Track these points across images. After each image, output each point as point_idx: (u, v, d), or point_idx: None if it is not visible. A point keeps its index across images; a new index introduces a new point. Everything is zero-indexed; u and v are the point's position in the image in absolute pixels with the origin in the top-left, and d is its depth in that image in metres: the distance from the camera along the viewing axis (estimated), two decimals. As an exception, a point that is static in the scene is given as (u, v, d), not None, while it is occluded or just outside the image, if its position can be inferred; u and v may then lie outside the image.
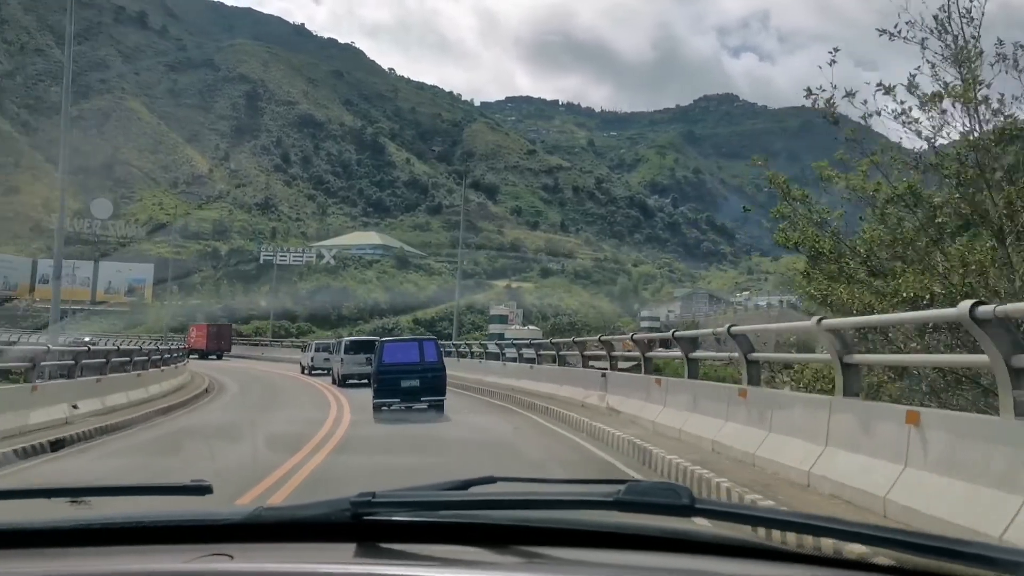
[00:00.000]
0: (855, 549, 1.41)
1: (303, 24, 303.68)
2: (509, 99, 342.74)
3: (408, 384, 17.29)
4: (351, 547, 1.48)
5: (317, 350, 37.46)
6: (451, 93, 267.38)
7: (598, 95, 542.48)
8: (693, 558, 1.42)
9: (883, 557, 1.37)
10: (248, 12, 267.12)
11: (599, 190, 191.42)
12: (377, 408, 17.40)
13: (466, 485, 1.67)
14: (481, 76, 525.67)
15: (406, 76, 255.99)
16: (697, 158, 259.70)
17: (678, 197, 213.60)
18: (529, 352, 25.13)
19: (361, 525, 1.50)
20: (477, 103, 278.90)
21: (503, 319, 40.49)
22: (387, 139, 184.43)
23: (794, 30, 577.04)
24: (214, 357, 50.30)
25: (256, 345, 65.25)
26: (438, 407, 17.51)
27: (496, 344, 24.29)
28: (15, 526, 1.60)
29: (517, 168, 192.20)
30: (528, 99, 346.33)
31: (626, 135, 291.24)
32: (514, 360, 25.91)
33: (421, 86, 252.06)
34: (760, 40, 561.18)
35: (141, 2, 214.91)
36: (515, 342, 22.90)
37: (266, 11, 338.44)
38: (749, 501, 6.69)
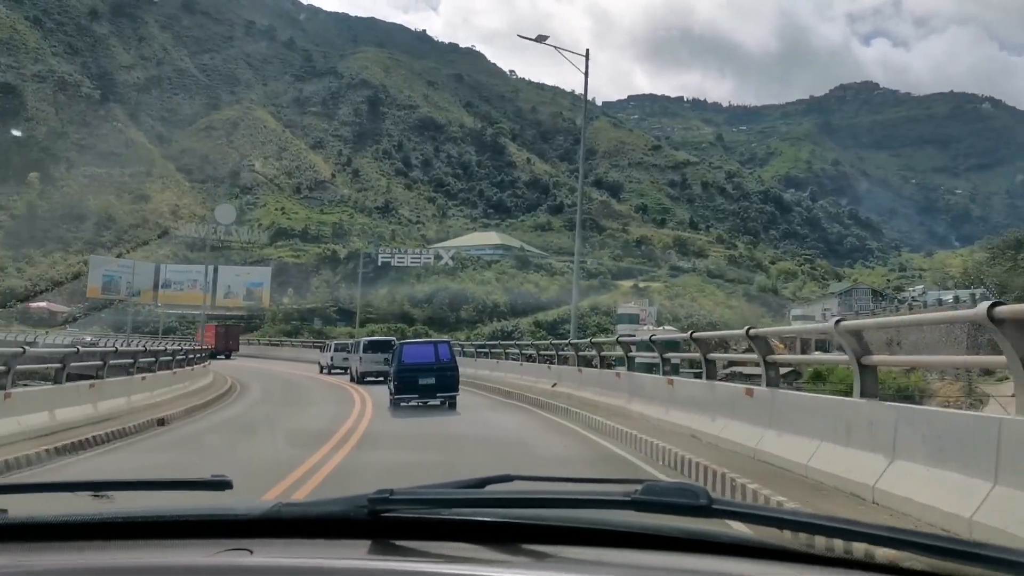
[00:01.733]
0: (875, 551, 1.39)
1: (424, 31, 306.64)
2: (631, 98, 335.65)
3: (425, 382, 18.79)
4: (366, 543, 1.49)
5: (336, 350, 39.04)
6: (572, 92, 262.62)
7: (721, 90, 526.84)
8: (710, 559, 1.41)
9: (905, 560, 1.36)
10: (372, 22, 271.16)
11: (730, 185, 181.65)
12: (396, 404, 18.69)
13: (483, 483, 1.68)
14: (599, 77, 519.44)
15: (526, 78, 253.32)
16: (835, 149, 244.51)
17: (816, 190, 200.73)
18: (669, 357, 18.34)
19: (378, 522, 1.51)
20: (599, 103, 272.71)
21: (634, 319, 34.82)
22: (507, 139, 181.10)
23: (929, 13, 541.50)
24: (223, 357, 49.84)
25: (274, 345, 67.45)
26: (451, 402, 19.07)
27: (622, 344, 18.49)
28: (39, 520, 1.64)
29: (642, 164, 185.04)
30: (651, 97, 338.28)
31: (756, 129, 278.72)
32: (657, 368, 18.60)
33: (541, 86, 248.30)
34: (892, 25, 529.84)
35: (270, 16, 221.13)
36: (655, 339, 15.96)
37: (389, 20, 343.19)
38: None
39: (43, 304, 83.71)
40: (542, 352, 26.39)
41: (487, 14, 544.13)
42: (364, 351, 29.40)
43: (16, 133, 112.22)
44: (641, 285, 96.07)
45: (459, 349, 29.32)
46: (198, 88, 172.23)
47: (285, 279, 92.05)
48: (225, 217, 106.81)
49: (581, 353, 21.84)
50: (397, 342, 23.50)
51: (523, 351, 27.75)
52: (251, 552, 1.44)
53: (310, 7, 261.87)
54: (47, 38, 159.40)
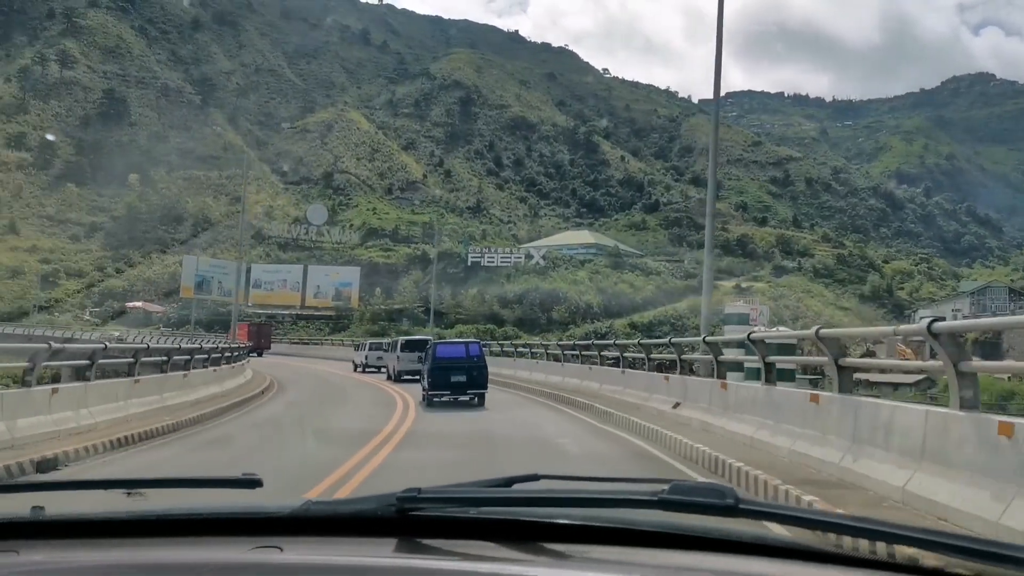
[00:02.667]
0: (903, 552, 1.39)
1: (516, 31, 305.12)
2: (729, 95, 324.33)
3: (456, 379, 19.43)
4: (393, 541, 1.50)
5: (371, 349, 39.80)
6: (666, 90, 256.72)
7: (819, 84, 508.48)
8: (738, 558, 1.40)
9: (930, 560, 1.34)
10: (464, 24, 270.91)
11: (836, 181, 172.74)
12: (429, 400, 19.53)
13: (510, 482, 1.68)
14: (693, 75, 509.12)
15: (619, 77, 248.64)
16: (950, 143, 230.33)
17: (931, 186, 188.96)
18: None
19: (406, 520, 1.52)
20: (695, 100, 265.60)
21: (743, 319, 30.84)
22: (601, 138, 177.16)
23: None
24: (255, 354, 49.33)
25: (303, 343, 68.03)
26: (481, 399, 19.59)
27: (711, 344, 15.29)
28: (76, 517, 1.67)
29: (741, 161, 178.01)
30: (749, 93, 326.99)
31: (862, 124, 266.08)
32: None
33: (635, 84, 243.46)
34: (1005, 14, 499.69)
35: (365, 20, 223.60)
36: (753, 338, 11.74)
37: (481, 22, 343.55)
38: None
39: (139, 304, 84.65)
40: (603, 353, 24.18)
41: (579, 15, 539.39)
42: (402, 350, 29.80)
43: (49, 138, 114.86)
44: (744, 285, 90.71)
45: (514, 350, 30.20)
46: (294, 92, 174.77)
47: (375, 279, 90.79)
48: (317, 217, 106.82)
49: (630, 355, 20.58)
50: (432, 341, 24.02)
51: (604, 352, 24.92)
52: (281, 550, 1.46)
53: (404, 11, 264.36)
54: (151, 46, 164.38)
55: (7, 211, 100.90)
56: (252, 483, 1.79)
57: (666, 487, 1.43)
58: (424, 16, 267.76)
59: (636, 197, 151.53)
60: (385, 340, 42.07)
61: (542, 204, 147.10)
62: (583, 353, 25.55)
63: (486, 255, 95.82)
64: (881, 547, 1.39)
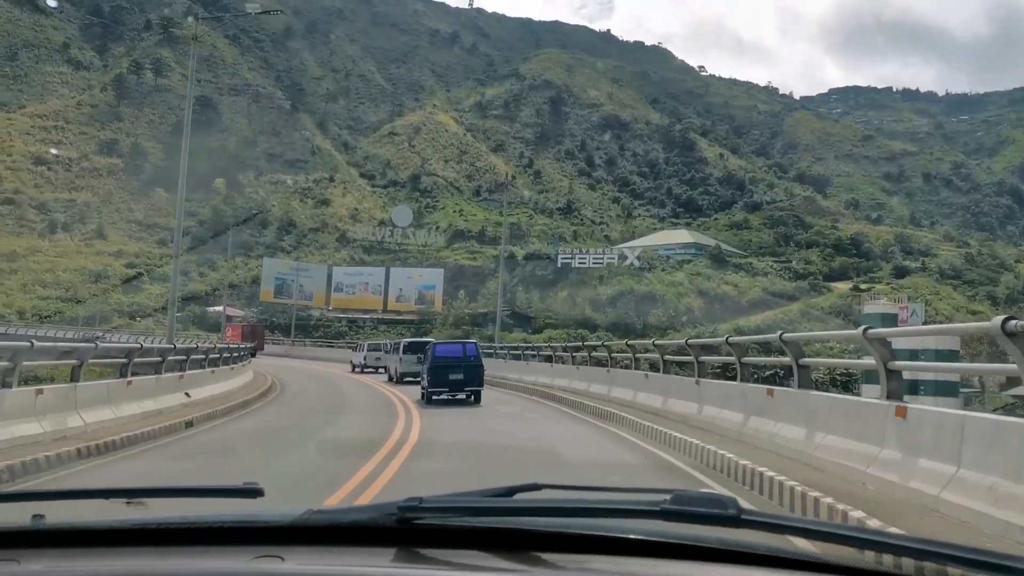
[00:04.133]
0: (909, 564, 1.37)
1: (608, 30, 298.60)
2: (833, 91, 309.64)
3: (454, 377, 20.20)
4: (392, 551, 1.49)
5: (369, 349, 40.18)
6: (766, 87, 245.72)
7: (924, 78, 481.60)
8: (739, 569, 1.39)
9: (936, 573, 1.33)
10: (555, 25, 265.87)
11: (957, 176, 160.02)
12: (427, 398, 20.37)
13: (511, 492, 1.66)
14: (786, 72, 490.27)
15: (715, 74, 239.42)
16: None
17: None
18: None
19: (406, 529, 1.51)
20: (796, 97, 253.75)
21: (889, 320, 24.47)
22: (697, 135, 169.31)
23: None
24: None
25: (297, 344, 67.77)
26: (477, 396, 20.43)
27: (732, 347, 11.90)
28: (76, 525, 1.65)
29: (851, 157, 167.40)
30: (855, 89, 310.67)
31: (979, 118, 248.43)
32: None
33: (733, 82, 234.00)
34: None
35: (454, 24, 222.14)
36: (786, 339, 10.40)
37: (572, 23, 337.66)
38: None
39: (220, 308, 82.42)
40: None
41: (666, 17, 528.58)
42: (404, 352, 29.70)
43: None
44: (863, 287, 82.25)
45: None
46: (383, 96, 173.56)
47: (459, 282, 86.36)
48: (402, 219, 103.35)
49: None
50: (432, 342, 24.58)
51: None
52: (282, 559, 1.46)
53: (494, 14, 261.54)
54: (244, 54, 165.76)
55: (96, 216, 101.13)
56: (253, 492, 1.77)
57: (668, 497, 1.42)
58: (514, 19, 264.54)
59: (737, 195, 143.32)
60: (385, 341, 41.99)
61: (636, 204, 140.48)
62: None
63: (577, 256, 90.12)
64: (888, 559, 1.35)
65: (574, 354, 24.83)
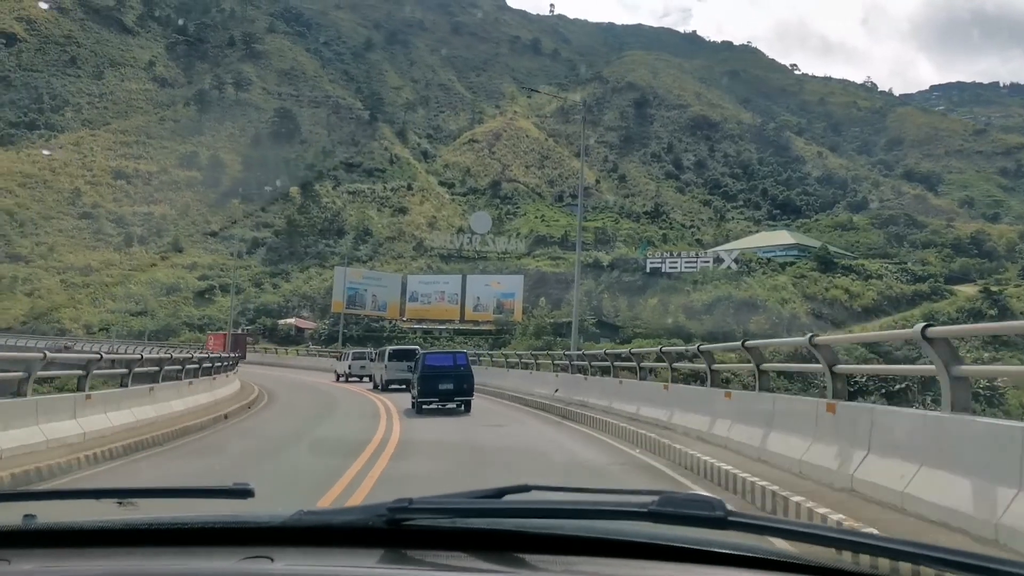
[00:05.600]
0: (897, 567, 1.38)
1: (694, 31, 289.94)
2: (934, 88, 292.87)
3: (444, 387, 19.95)
4: (379, 552, 1.50)
5: (354, 358, 39.66)
6: (864, 84, 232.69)
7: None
8: (726, 570, 1.39)
9: (909, 572, 1.33)
10: (637, 28, 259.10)
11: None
12: (418, 408, 19.95)
13: (500, 493, 1.66)
14: (882, 70, 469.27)
15: (808, 73, 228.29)
16: None
17: None
18: None
19: (395, 531, 1.51)
20: (895, 95, 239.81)
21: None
22: (793, 134, 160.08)
23: None
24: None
25: (279, 352, 66.37)
26: (467, 405, 20.13)
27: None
28: (67, 526, 1.65)
29: (962, 153, 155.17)
30: (958, 85, 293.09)
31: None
32: None
33: (827, 79, 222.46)
34: None
35: (535, 31, 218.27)
36: None
37: (655, 25, 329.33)
38: None
39: (291, 320, 79.18)
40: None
41: (755, 17, 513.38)
42: (389, 359, 29.93)
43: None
44: (994, 288, 73.10)
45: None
46: (463, 104, 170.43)
47: (541, 290, 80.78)
48: (481, 226, 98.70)
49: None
50: (420, 351, 24.85)
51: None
52: (272, 560, 1.45)
53: (576, 20, 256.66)
54: (325, 67, 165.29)
55: (173, 228, 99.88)
56: (244, 493, 1.76)
57: (655, 499, 1.41)
58: (596, 24, 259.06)
59: (838, 195, 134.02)
60: (369, 350, 41.46)
61: (728, 207, 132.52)
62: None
63: (667, 260, 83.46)
64: (883, 562, 1.36)
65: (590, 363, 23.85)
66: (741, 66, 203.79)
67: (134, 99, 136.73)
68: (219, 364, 23.54)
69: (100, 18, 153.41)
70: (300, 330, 77.27)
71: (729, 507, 1.39)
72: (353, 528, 1.56)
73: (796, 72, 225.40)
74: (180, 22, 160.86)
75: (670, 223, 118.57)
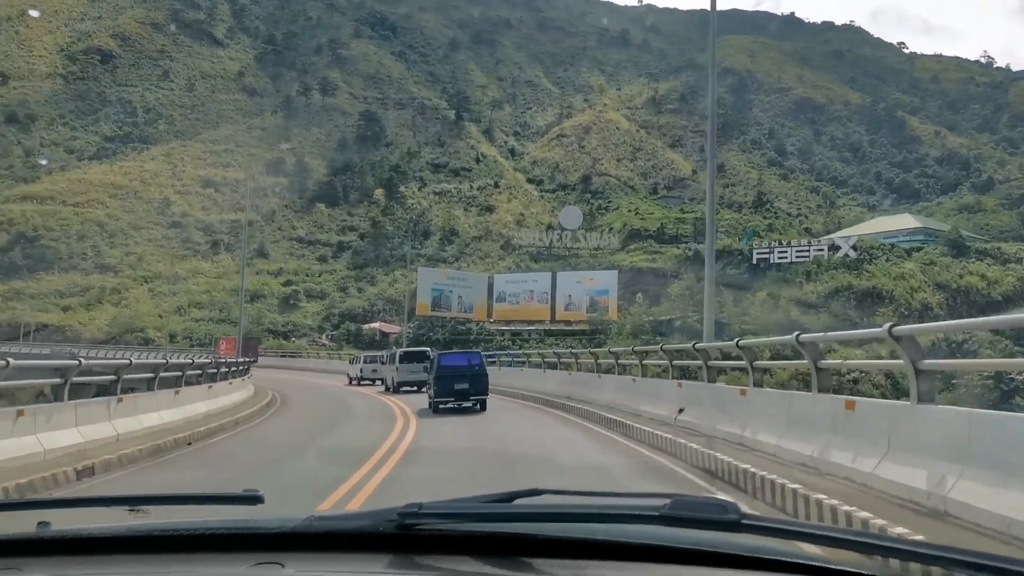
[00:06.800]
0: (909, 568, 1.36)
1: (792, 13, 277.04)
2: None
3: (460, 387, 20.30)
4: (388, 558, 1.49)
5: (366, 362, 39.97)
6: (978, 61, 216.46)
7: None
8: (740, 573, 1.37)
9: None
10: (732, 13, 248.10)
11: None
12: (435, 407, 20.06)
13: (511, 497, 1.65)
14: (993, 48, 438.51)
15: (917, 51, 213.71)
16: None
17: None
18: None
19: (406, 536, 1.50)
20: (1014, 69, 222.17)
21: None
22: (906, 114, 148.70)
23: None
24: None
25: (290, 356, 66.60)
26: (483, 404, 20.47)
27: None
28: (80, 533, 1.67)
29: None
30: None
31: None
32: None
33: (939, 56, 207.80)
34: None
35: (623, 22, 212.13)
36: None
37: (751, 9, 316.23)
38: None
39: (376, 325, 75.90)
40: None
41: (845, 3, 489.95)
42: (401, 362, 30.23)
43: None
44: None
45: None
46: (550, 100, 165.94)
47: (637, 286, 75.12)
48: (571, 221, 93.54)
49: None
50: (432, 353, 26.17)
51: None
52: (282, 566, 1.44)
53: (666, 9, 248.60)
54: (410, 69, 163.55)
55: (259, 234, 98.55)
56: (254, 499, 1.75)
57: (668, 502, 1.39)
58: (687, 11, 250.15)
59: (961, 176, 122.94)
60: (382, 353, 41.69)
61: (839, 192, 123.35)
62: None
63: (776, 250, 76.44)
64: (895, 563, 1.34)
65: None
66: (845, 46, 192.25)
67: (224, 109, 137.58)
68: (235, 368, 24.09)
69: (192, 32, 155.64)
70: (385, 334, 73.81)
71: (744, 509, 1.37)
72: (363, 533, 1.54)
73: (905, 50, 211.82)
74: (269, 31, 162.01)
75: (775, 212, 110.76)
